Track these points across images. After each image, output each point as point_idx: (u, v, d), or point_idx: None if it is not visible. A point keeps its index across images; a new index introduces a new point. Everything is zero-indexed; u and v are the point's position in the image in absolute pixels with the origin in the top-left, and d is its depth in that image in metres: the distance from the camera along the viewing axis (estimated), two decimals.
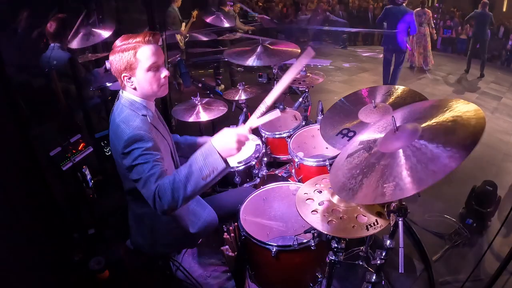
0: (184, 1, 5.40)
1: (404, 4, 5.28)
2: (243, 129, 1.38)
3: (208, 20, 5.07)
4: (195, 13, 5.26)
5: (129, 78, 1.48)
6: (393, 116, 1.30)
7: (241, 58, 2.70)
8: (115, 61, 1.46)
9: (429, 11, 7.10)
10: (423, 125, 1.25)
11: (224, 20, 5.13)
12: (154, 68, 1.47)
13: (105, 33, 2.94)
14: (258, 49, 2.72)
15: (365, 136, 1.50)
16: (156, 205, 1.36)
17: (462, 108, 1.22)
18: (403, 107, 1.51)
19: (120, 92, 1.57)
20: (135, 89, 1.50)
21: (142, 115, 1.49)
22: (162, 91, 1.55)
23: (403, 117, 1.42)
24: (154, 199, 1.35)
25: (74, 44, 2.83)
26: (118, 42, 1.48)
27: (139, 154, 1.39)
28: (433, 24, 7.32)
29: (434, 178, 1.03)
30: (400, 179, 1.12)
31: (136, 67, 1.46)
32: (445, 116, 1.23)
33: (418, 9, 6.95)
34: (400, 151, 1.20)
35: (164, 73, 1.51)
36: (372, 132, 1.49)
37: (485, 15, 6.79)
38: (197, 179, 1.33)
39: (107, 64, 1.54)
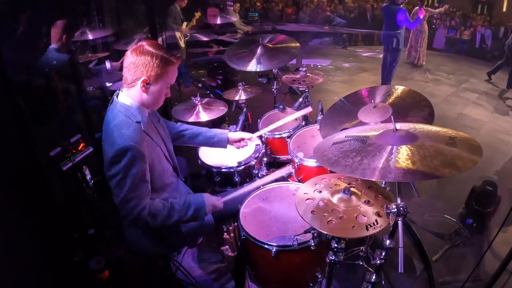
0: (187, 3, 5.41)
1: (402, 5, 5.31)
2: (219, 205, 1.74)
3: (211, 20, 5.10)
4: (198, 14, 5.25)
5: (147, 84, 1.48)
6: (392, 116, 1.31)
7: (242, 62, 2.68)
8: (145, 61, 1.44)
9: (427, 9, 7.22)
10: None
11: (226, 20, 5.17)
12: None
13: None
14: (258, 51, 2.70)
15: (353, 132, 1.52)
16: (141, 220, 1.50)
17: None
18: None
19: (115, 96, 1.57)
20: (145, 94, 1.51)
21: (136, 122, 1.49)
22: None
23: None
24: (139, 214, 1.48)
25: None
26: (149, 46, 1.46)
27: (126, 168, 1.42)
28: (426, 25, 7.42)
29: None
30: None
31: (162, 79, 1.48)
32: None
33: (416, 7, 7.00)
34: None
35: (168, 91, 1.59)
36: (361, 130, 1.51)
37: None
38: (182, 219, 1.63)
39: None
